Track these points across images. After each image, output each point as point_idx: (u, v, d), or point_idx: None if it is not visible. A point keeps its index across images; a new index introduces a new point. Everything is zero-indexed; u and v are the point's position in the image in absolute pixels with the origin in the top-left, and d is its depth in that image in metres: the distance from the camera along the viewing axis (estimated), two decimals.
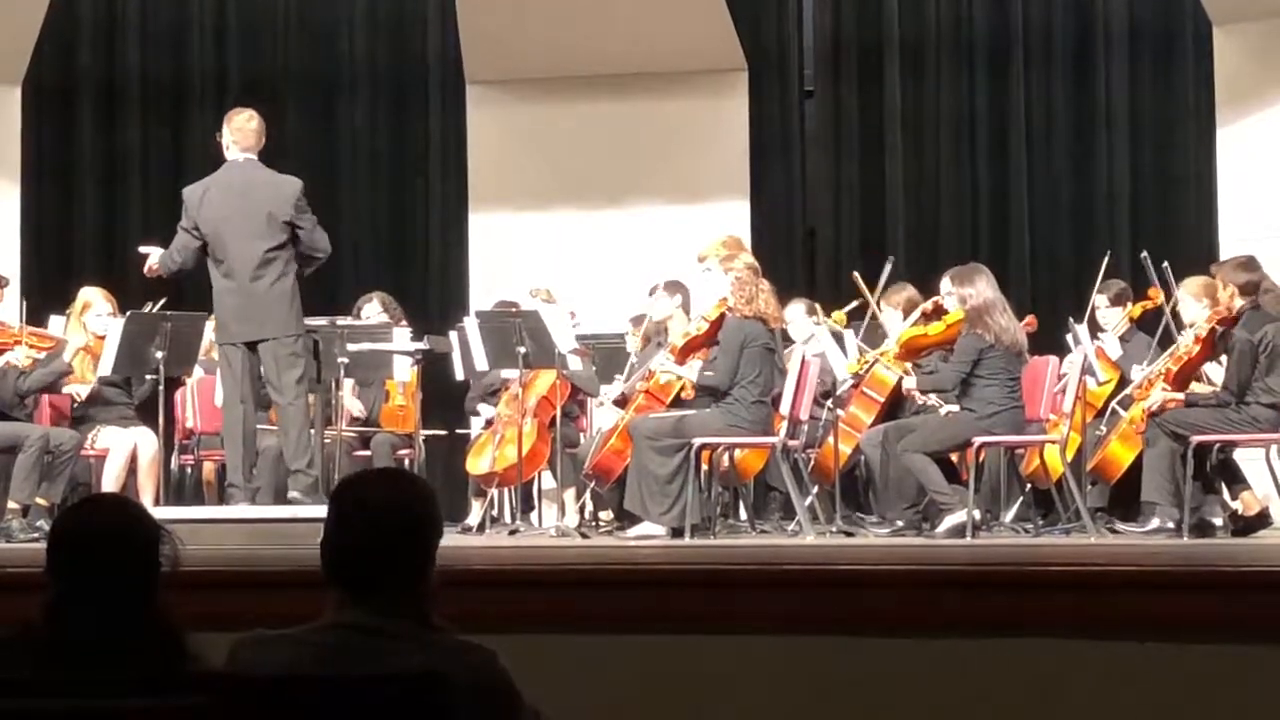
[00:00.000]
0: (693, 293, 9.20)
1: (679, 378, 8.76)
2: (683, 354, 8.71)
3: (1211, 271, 8.54)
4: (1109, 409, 9.00)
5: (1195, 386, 8.37)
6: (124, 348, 8.52)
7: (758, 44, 12.31)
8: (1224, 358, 8.18)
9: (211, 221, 7.78)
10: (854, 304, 9.90)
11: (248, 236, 7.71)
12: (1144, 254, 8.88)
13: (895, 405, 9.19)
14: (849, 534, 8.48)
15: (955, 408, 8.41)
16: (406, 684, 2.87)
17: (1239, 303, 8.15)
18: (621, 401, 9.13)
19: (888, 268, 9.69)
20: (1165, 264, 8.79)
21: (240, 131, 7.91)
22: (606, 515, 9.48)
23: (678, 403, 8.77)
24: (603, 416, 9.70)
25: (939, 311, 8.56)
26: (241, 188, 7.81)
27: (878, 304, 9.53)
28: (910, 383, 8.77)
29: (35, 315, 9.17)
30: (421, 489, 3.19)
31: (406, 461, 9.32)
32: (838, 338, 9.59)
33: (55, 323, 9.12)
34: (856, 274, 9.78)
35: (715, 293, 8.61)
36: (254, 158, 7.88)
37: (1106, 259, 9.58)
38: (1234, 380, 7.98)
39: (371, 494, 3.12)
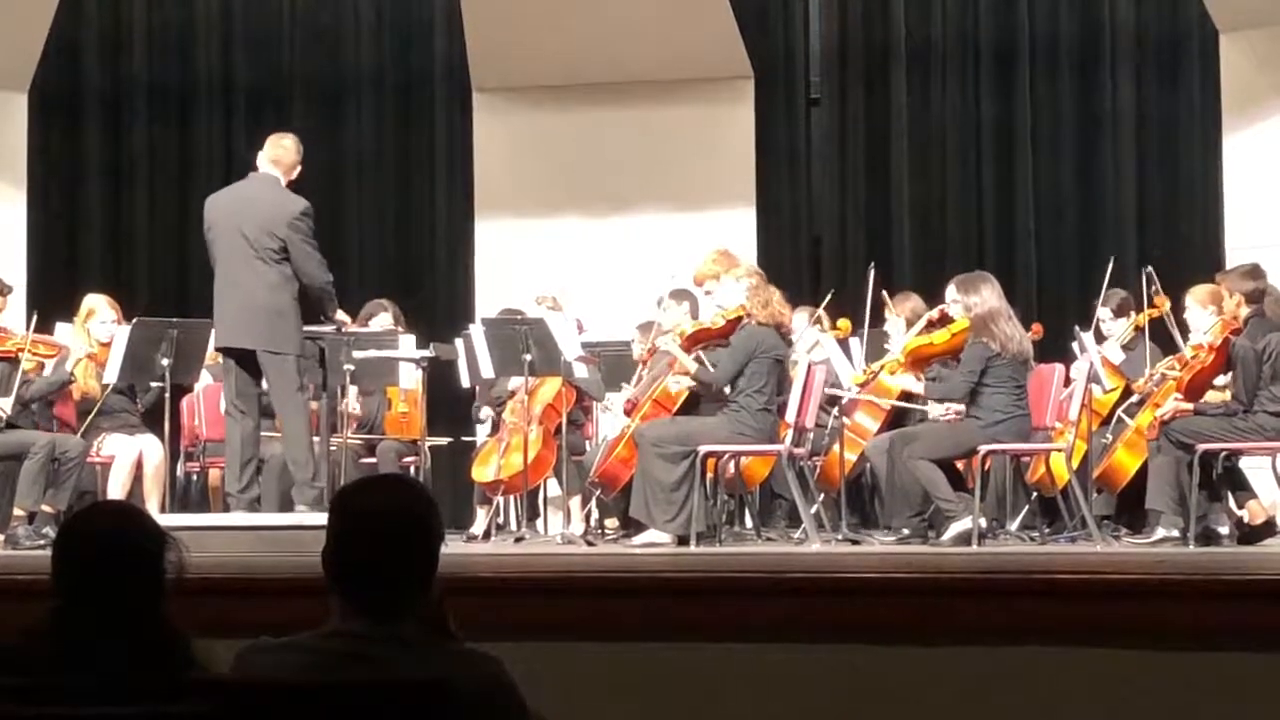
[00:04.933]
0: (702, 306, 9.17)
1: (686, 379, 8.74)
2: (690, 342, 8.67)
3: (1216, 280, 8.53)
4: (1114, 417, 9.00)
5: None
6: (130, 355, 8.54)
7: (764, 52, 12.31)
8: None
9: (213, 227, 7.87)
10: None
11: (237, 244, 7.76)
12: (1148, 269, 8.88)
13: (901, 413, 9.19)
14: (854, 542, 8.47)
15: (940, 410, 8.41)
16: (411, 692, 2.87)
17: (1244, 311, 8.14)
18: (630, 408, 9.12)
19: (871, 280, 9.61)
20: (1146, 273, 8.72)
21: (269, 145, 8.05)
22: (612, 523, 9.48)
23: (683, 410, 8.75)
24: (608, 424, 9.69)
25: (944, 320, 8.55)
26: (246, 197, 7.92)
27: (880, 309, 9.52)
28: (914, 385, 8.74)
29: (42, 322, 9.17)
30: (421, 494, 3.18)
31: (412, 469, 9.32)
32: (843, 345, 9.59)
33: (62, 330, 9.13)
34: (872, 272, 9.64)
35: (734, 299, 8.56)
36: (274, 173, 7.92)
37: (1111, 265, 9.56)
38: (1242, 390, 7.98)
39: (371, 500, 3.11)
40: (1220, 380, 8.31)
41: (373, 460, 9.52)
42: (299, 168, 8.03)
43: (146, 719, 2.90)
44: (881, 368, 8.86)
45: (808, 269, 12.27)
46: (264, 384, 7.92)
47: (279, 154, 7.97)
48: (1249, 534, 8.16)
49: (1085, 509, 8.28)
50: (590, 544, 8.64)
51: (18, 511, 8.35)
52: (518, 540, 9.11)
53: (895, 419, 9.16)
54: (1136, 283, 9.27)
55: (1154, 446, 8.15)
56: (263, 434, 8.08)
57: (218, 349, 8.04)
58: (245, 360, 7.83)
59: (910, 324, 9.11)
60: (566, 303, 10.04)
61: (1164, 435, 8.03)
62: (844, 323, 9.88)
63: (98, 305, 9.10)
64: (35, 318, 9.01)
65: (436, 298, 12.41)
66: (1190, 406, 8.18)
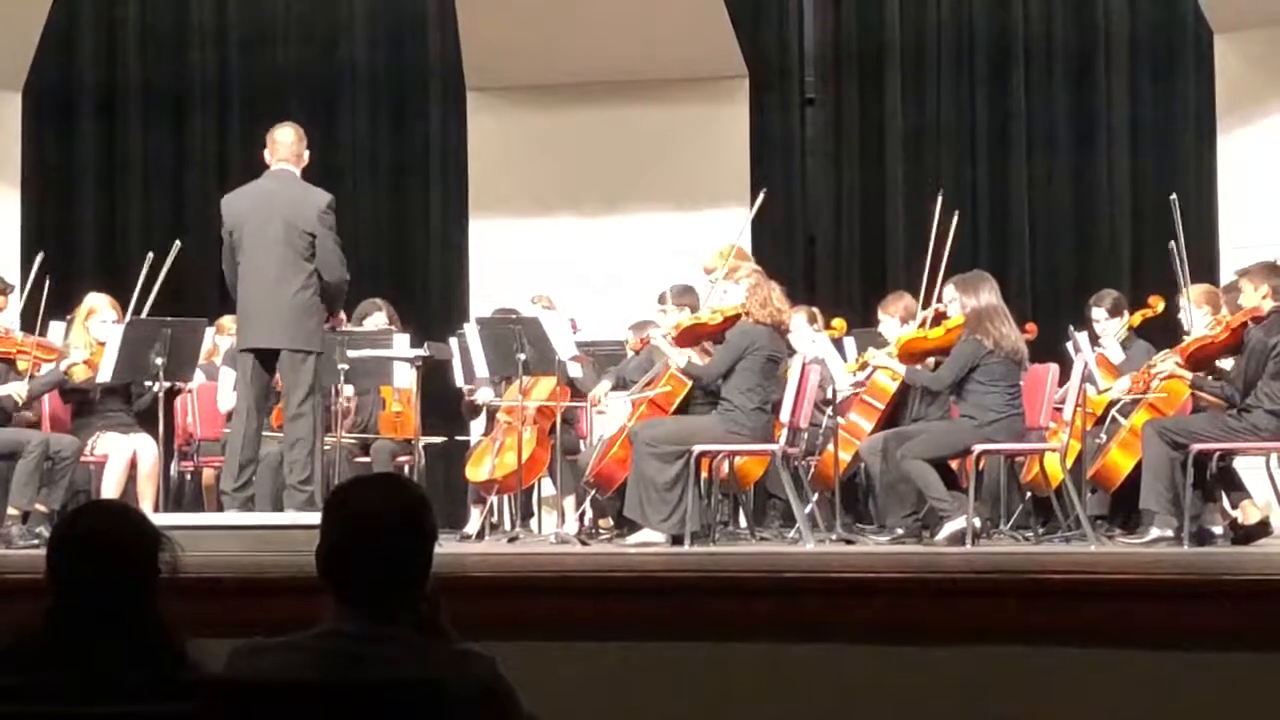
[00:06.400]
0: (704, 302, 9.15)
1: (677, 379, 8.73)
2: (686, 335, 8.64)
3: (1246, 270, 8.41)
4: (1109, 416, 8.99)
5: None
6: (124, 354, 8.53)
7: (758, 51, 12.32)
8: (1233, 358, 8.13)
9: (236, 226, 7.84)
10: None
11: (266, 243, 7.73)
12: (1171, 244, 8.79)
13: (895, 412, 9.19)
14: (849, 541, 8.48)
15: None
16: (404, 691, 2.87)
17: (1269, 304, 8.03)
18: (621, 386, 9.13)
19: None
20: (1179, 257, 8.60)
21: (271, 142, 7.99)
22: (606, 522, 9.47)
23: (678, 411, 8.75)
24: (603, 424, 9.70)
25: (940, 318, 8.56)
26: (266, 195, 7.86)
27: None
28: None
29: (34, 317, 9.17)
30: (414, 493, 3.17)
31: (406, 468, 9.31)
32: (837, 344, 9.59)
33: (55, 329, 9.12)
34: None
35: (733, 299, 8.55)
36: (289, 168, 7.89)
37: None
38: (1240, 378, 7.92)
39: (365, 500, 3.11)
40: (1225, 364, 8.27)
41: (367, 459, 9.51)
42: (307, 153, 8.01)
43: (141, 718, 2.89)
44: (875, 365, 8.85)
45: (802, 268, 12.28)
46: (275, 382, 7.91)
47: (284, 151, 7.94)
48: (1243, 534, 8.15)
49: (1079, 509, 8.28)
50: (584, 543, 8.63)
51: (12, 510, 8.34)
52: (512, 540, 9.10)
53: (890, 418, 9.16)
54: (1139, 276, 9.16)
55: (1146, 434, 8.07)
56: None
57: (243, 350, 7.94)
58: (266, 360, 7.82)
59: (903, 323, 9.12)
60: (559, 303, 10.05)
61: (1158, 433, 8.00)
62: (838, 322, 9.88)
63: (99, 304, 9.09)
64: (40, 315, 8.98)
65: (431, 297, 12.42)
66: (1188, 375, 8.15)
